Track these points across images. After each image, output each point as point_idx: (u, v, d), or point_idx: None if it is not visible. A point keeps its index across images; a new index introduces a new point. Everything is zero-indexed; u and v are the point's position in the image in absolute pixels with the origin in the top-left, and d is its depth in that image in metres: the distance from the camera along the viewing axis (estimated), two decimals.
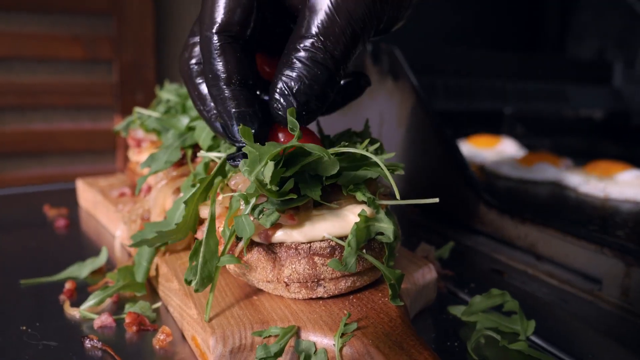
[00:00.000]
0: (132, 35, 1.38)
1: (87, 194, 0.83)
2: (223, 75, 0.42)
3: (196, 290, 0.42)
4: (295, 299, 0.45)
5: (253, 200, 0.42)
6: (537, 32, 1.61)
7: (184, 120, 0.63)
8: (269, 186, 0.39)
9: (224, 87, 0.42)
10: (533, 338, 0.49)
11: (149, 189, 0.65)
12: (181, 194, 0.57)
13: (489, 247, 0.69)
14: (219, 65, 0.42)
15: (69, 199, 0.88)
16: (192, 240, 0.57)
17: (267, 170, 0.38)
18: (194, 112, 0.67)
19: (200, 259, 0.42)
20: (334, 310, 0.43)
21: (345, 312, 0.43)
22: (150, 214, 0.61)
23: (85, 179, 0.85)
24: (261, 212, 0.42)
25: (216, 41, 0.42)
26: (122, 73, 1.39)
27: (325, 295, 0.44)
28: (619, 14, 1.46)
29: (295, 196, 0.40)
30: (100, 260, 0.60)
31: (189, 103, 0.70)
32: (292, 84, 0.41)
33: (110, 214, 0.72)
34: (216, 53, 0.42)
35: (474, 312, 0.50)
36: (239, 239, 0.43)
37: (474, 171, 0.76)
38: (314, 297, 0.44)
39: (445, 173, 0.76)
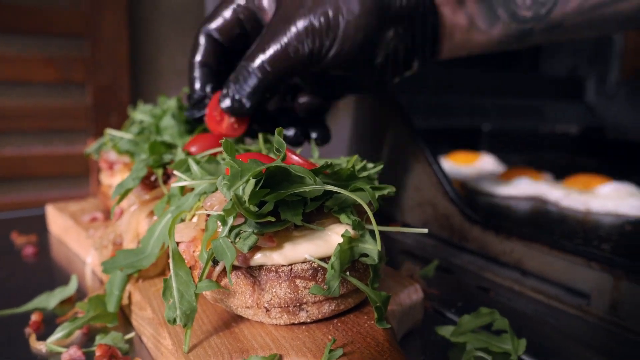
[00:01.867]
0: (106, 57, 1.35)
1: (57, 220, 0.79)
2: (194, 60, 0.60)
3: (185, 326, 0.39)
4: (276, 324, 0.42)
5: (230, 221, 0.40)
6: (511, 52, 1.63)
7: None
8: (247, 205, 0.37)
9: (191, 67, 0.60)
10: (523, 357, 0.47)
11: (122, 212, 0.63)
12: (154, 218, 0.54)
13: (474, 263, 0.68)
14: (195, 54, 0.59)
15: (39, 226, 0.84)
16: (167, 266, 0.54)
17: (248, 188, 0.36)
18: (167, 135, 0.65)
19: (175, 295, 0.39)
20: (317, 335, 0.41)
21: (330, 337, 0.41)
22: (122, 239, 0.59)
23: (56, 204, 0.82)
24: (238, 234, 0.40)
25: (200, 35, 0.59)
26: (96, 96, 1.35)
27: (308, 320, 0.42)
28: None
29: (273, 219, 0.38)
30: (70, 289, 0.57)
31: (163, 123, 0.68)
32: (232, 78, 0.55)
33: (81, 239, 0.69)
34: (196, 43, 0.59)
35: (463, 332, 0.48)
36: (215, 262, 0.41)
37: (456, 188, 0.75)
38: (296, 322, 0.42)
39: (428, 190, 0.75)
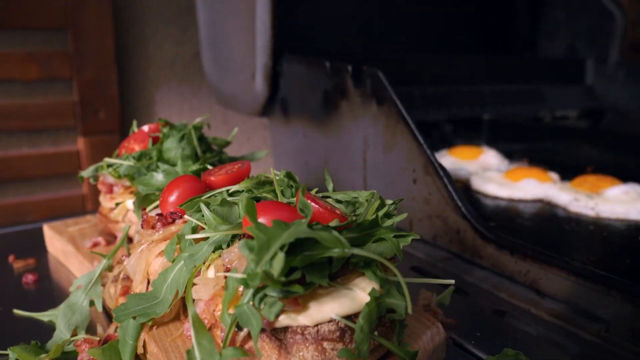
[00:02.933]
0: (90, 50, 1.29)
1: (55, 242, 0.76)
2: None
3: None
4: None
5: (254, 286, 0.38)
6: (508, 33, 1.60)
7: (158, 177, 0.58)
8: (276, 277, 0.35)
9: None
10: None
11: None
12: (164, 259, 0.52)
13: (487, 281, 0.67)
14: None
15: (36, 244, 0.81)
16: (181, 309, 0.52)
17: (277, 263, 0.34)
18: (168, 160, 0.62)
19: None
20: None
21: None
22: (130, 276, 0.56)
23: (53, 225, 0.79)
24: (262, 299, 0.38)
25: None
26: (82, 91, 1.30)
27: None
28: (590, 10, 1.47)
29: (301, 289, 0.36)
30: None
31: (166, 145, 0.65)
32: None
33: (85, 268, 0.67)
34: None
35: None
36: (238, 327, 0.40)
37: (460, 190, 0.73)
38: None
39: (437, 203, 0.73)
